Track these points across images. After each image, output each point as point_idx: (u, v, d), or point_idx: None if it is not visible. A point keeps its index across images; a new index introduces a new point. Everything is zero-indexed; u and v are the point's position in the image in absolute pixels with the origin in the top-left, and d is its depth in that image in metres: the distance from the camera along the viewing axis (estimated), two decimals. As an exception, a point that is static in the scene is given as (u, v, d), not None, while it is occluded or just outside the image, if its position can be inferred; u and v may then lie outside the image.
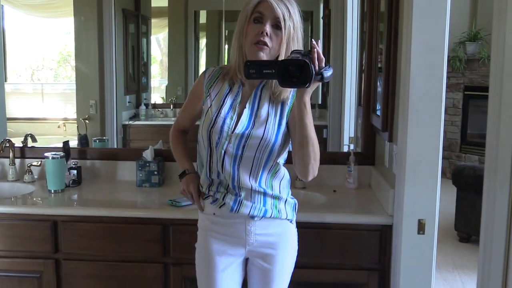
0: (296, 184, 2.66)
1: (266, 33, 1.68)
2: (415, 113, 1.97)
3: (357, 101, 3.16)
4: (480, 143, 6.85)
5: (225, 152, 1.74)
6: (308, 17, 3.74)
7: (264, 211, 1.79)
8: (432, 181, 2.01)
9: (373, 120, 2.61)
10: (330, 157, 2.80)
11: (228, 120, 1.75)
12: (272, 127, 1.74)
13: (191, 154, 2.00)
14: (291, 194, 1.92)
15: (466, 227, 4.49)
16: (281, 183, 1.85)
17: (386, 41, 2.28)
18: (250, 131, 1.73)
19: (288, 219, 1.87)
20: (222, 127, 1.74)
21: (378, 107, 2.53)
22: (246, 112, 1.76)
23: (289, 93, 1.77)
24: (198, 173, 1.91)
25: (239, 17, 1.76)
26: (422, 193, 2.01)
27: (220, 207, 1.80)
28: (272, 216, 1.81)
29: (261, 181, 1.78)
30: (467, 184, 4.39)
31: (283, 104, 1.77)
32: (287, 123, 1.77)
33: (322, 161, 2.67)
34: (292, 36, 1.71)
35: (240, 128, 1.74)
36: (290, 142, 1.81)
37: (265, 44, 1.68)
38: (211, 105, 1.80)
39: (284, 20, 1.68)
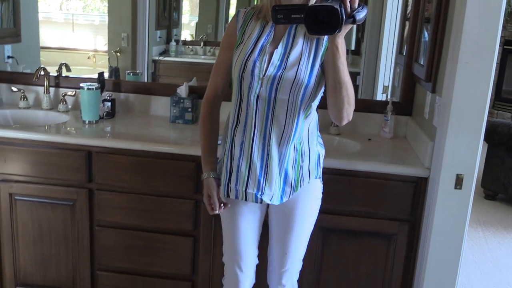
0: (331, 130, 2.62)
1: None
2: (464, 64, 1.89)
3: (397, 49, 3.06)
4: (514, 101, 6.69)
5: (258, 97, 1.69)
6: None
7: (283, 193, 1.77)
8: (475, 137, 1.96)
9: (415, 69, 2.53)
10: (367, 105, 2.74)
11: (258, 63, 1.69)
12: (305, 68, 1.67)
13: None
14: (322, 140, 1.88)
15: (493, 184, 4.45)
16: (310, 126, 1.79)
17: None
18: (282, 73, 1.67)
19: (309, 182, 1.83)
20: (253, 70, 1.68)
21: (422, 55, 2.45)
22: (279, 51, 1.69)
23: None
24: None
25: None
26: (463, 148, 1.97)
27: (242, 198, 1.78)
28: (292, 194, 1.79)
29: (297, 125, 1.72)
30: (500, 141, 4.31)
31: (318, 42, 1.69)
32: (322, 63, 1.70)
33: (358, 109, 2.64)
34: None
35: (271, 70, 1.67)
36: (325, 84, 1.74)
37: None
38: (243, 48, 1.73)
39: None
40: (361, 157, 2.28)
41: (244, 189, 1.75)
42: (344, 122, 1.68)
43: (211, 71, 1.90)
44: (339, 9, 1.38)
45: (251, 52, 1.71)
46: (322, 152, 1.88)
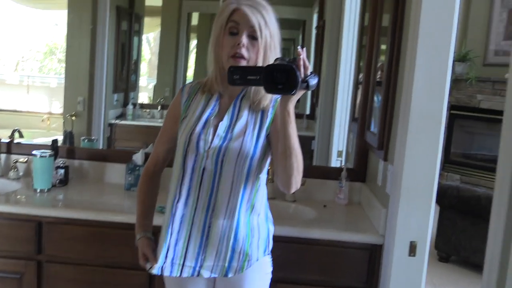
0: (287, 197, 2.65)
1: (243, 44, 1.62)
2: (414, 134, 1.97)
3: (350, 115, 3.16)
4: (462, 163, 6.94)
5: (203, 169, 1.68)
6: (299, 26, 3.74)
7: (229, 267, 1.70)
8: (427, 204, 2.01)
9: (367, 137, 2.61)
10: (322, 172, 2.79)
11: (203, 136, 1.68)
12: (250, 139, 1.68)
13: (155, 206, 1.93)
14: (271, 215, 1.85)
15: (446, 246, 4.53)
16: (258, 200, 1.76)
17: (388, 57, 2.27)
18: (227, 144, 1.67)
19: (258, 259, 1.77)
20: (198, 143, 1.68)
21: (373, 124, 2.54)
22: (224, 124, 1.70)
23: (270, 102, 1.71)
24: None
25: (213, 26, 1.70)
26: (416, 215, 2.01)
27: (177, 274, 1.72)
28: (239, 271, 1.72)
29: (243, 197, 1.70)
30: (450, 204, 4.43)
31: (263, 115, 1.71)
32: (268, 135, 1.71)
33: (314, 175, 2.72)
34: (269, 44, 1.65)
35: (216, 142, 1.67)
36: (271, 155, 1.74)
37: (242, 56, 1.62)
38: (187, 123, 1.73)
39: (261, 30, 1.63)
40: (317, 224, 2.30)
41: (181, 263, 1.70)
42: (293, 190, 1.65)
43: (154, 143, 1.90)
44: (296, 69, 1.42)
45: (196, 125, 1.71)
46: (272, 228, 1.84)
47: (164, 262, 1.71)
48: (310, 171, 2.72)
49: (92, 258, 2.24)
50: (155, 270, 1.73)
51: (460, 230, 4.40)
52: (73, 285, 2.26)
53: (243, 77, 1.49)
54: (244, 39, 1.63)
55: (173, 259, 1.71)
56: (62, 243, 2.24)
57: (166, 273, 1.71)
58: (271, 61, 1.64)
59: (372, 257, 2.20)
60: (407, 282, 2.06)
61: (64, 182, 2.63)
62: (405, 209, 2.00)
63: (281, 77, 1.43)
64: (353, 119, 3.03)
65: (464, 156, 7.02)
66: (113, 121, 3.42)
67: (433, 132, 1.97)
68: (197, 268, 1.70)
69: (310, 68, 1.48)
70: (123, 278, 2.25)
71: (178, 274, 1.71)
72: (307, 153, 3.39)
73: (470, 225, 4.30)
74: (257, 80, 1.46)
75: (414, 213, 2.00)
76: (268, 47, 1.66)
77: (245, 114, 1.71)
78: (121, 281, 2.25)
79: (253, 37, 1.64)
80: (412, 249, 2.03)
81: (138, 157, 2.68)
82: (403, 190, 1.99)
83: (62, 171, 2.63)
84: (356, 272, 2.21)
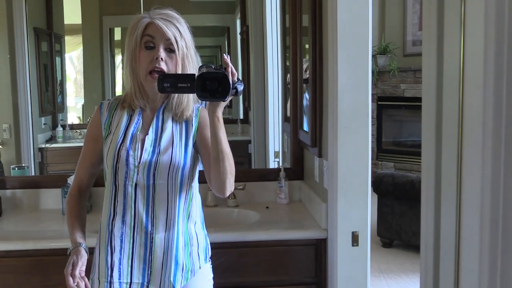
0: (229, 202, 2.66)
1: (161, 58, 1.63)
2: (343, 129, 2.04)
3: (282, 116, 3.22)
4: (394, 150, 7.21)
5: (136, 185, 1.67)
6: (224, 33, 3.78)
7: (174, 280, 1.69)
8: (363, 194, 2.09)
9: (300, 136, 2.68)
10: (260, 174, 2.83)
11: (131, 152, 1.68)
12: (179, 150, 1.69)
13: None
14: (205, 226, 1.84)
15: (387, 232, 4.69)
16: (194, 208, 1.77)
17: (312, 56, 2.34)
18: (157, 158, 1.67)
19: (200, 267, 1.78)
20: (127, 159, 1.67)
21: (305, 122, 2.60)
22: (150, 137, 1.70)
23: (192, 111, 1.73)
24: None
25: (126, 41, 1.69)
26: (354, 206, 2.09)
27: None
28: (183, 282, 1.72)
29: (179, 208, 1.71)
30: (387, 191, 4.59)
31: (187, 124, 1.73)
32: (194, 143, 1.73)
33: (253, 179, 2.75)
34: (186, 55, 1.68)
35: (145, 157, 1.67)
36: (201, 163, 1.76)
37: (161, 70, 1.63)
38: (112, 138, 1.71)
39: (177, 42, 1.64)
40: (262, 227, 2.33)
41: (129, 281, 1.69)
42: (228, 193, 1.69)
43: (76, 167, 1.84)
44: (228, 77, 1.46)
45: (122, 141, 1.69)
46: (206, 234, 1.84)
47: (111, 282, 1.69)
48: (249, 175, 2.77)
49: (35, 289, 2.17)
50: None
51: (399, 215, 4.57)
52: (18, 320, 2.18)
53: (173, 85, 1.50)
54: (162, 53, 1.64)
55: (119, 278, 1.69)
56: (2, 278, 2.16)
57: None
58: (189, 71, 1.67)
59: (317, 251, 2.26)
60: (353, 271, 2.13)
61: (-3, 214, 2.54)
62: (343, 201, 2.07)
63: (213, 85, 1.46)
64: (285, 119, 3.09)
65: (395, 144, 7.30)
66: (43, 146, 3.32)
67: (361, 125, 2.06)
68: (145, 284, 1.70)
69: (236, 75, 1.53)
70: (70, 305, 2.18)
71: None
72: (245, 157, 3.43)
73: (407, 209, 4.49)
74: (188, 87, 1.49)
75: (352, 204, 2.08)
76: (186, 57, 1.68)
77: (169, 126, 1.72)
78: (69, 309, 2.18)
79: (170, 50, 1.66)
80: (355, 239, 2.11)
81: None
82: (339, 183, 2.06)
83: (-6, 203, 2.53)
84: (304, 268, 2.26)
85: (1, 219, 2.53)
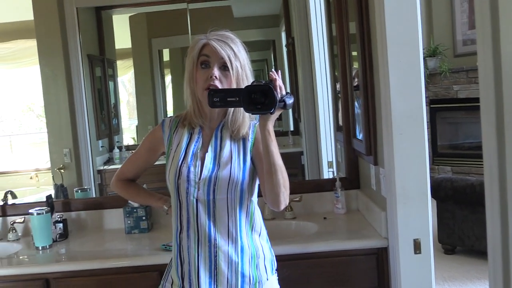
0: (286, 215, 2.67)
1: (216, 77, 1.68)
2: (398, 136, 2.02)
3: (334, 126, 3.21)
4: (451, 154, 7.02)
5: (197, 200, 1.72)
6: (269, 46, 3.81)
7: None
8: (423, 200, 2.05)
9: (354, 144, 2.65)
10: (316, 184, 2.83)
11: (192, 168, 1.73)
12: (237, 165, 1.73)
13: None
14: (269, 242, 1.86)
15: (449, 238, 4.55)
16: (256, 222, 1.80)
17: (361, 63, 2.32)
18: (216, 173, 1.72)
19: (268, 279, 1.80)
20: (188, 176, 1.72)
21: (358, 130, 2.58)
22: (210, 155, 1.75)
23: (248, 128, 1.76)
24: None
25: (186, 62, 1.76)
26: (414, 213, 2.04)
27: None
28: None
29: (241, 222, 1.74)
30: (446, 196, 4.47)
31: (244, 141, 1.77)
32: (251, 158, 1.76)
33: (309, 190, 2.75)
34: (241, 75, 1.71)
35: (206, 173, 1.72)
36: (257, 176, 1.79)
37: (216, 87, 1.67)
38: (174, 156, 1.78)
39: (231, 61, 1.68)
40: (321, 238, 2.33)
41: None
42: (282, 206, 1.70)
43: (125, 162, 2.03)
44: (273, 89, 1.49)
45: (184, 158, 1.75)
46: (270, 247, 1.86)
47: None
48: (304, 186, 2.77)
49: (104, 307, 2.24)
50: None
51: (460, 220, 4.43)
52: (89, 337, 2.25)
53: (223, 99, 1.55)
54: (216, 71, 1.69)
55: (190, 287, 1.75)
56: (71, 297, 2.24)
57: None
58: None
59: (379, 260, 2.23)
60: (417, 279, 2.08)
61: (64, 235, 2.63)
62: (403, 208, 2.04)
63: (259, 97, 1.50)
64: (337, 128, 3.07)
65: (452, 147, 7.10)
66: (101, 167, 3.43)
67: (417, 129, 2.02)
68: None
69: (284, 89, 1.55)
70: (137, 322, 2.24)
71: None
72: (298, 169, 3.43)
73: (469, 213, 4.35)
74: (237, 101, 1.53)
75: (412, 211, 2.04)
76: (240, 77, 1.71)
77: (227, 143, 1.76)
78: (136, 325, 2.24)
79: (224, 68, 1.70)
80: (417, 247, 2.06)
81: (134, 200, 2.69)
82: (398, 190, 2.03)
83: (60, 225, 2.63)
84: (366, 278, 2.23)
85: (67, 240, 2.63)
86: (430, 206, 2.07)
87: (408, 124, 2.01)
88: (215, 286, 1.73)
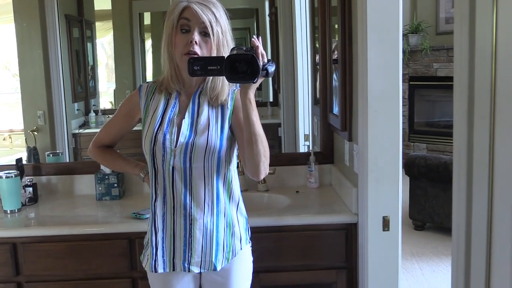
0: (259, 187, 2.67)
1: (196, 42, 1.65)
2: (373, 113, 2.02)
3: (312, 99, 3.20)
4: (427, 131, 7.09)
5: (173, 168, 1.71)
6: (253, 14, 3.75)
7: (216, 260, 1.74)
8: (394, 178, 2.06)
9: (330, 119, 2.65)
10: (290, 158, 2.82)
11: (168, 135, 1.71)
12: (215, 133, 1.71)
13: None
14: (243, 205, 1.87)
15: (420, 215, 4.63)
16: (233, 191, 1.80)
17: (341, 37, 2.30)
18: (193, 140, 1.70)
19: (241, 248, 1.81)
20: (164, 143, 1.70)
21: (335, 105, 2.57)
22: (186, 121, 1.72)
23: (227, 95, 1.74)
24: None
25: (165, 25, 1.71)
26: (385, 191, 2.06)
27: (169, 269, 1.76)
28: (225, 262, 1.77)
29: (218, 190, 1.74)
30: (419, 173, 4.53)
31: (223, 108, 1.74)
32: (230, 126, 1.74)
33: (283, 163, 2.75)
34: (221, 41, 1.68)
35: (182, 140, 1.70)
36: (237, 145, 1.78)
37: (195, 53, 1.64)
38: (150, 123, 1.76)
39: (212, 26, 1.65)
40: (292, 211, 2.34)
41: (171, 259, 1.74)
42: (262, 176, 1.70)
43: (102, 128, 2.00)
44: (257, 58, 1.46)
45: (160, 125, 1.73)
46: (246, 216, 1.88)
47: (156, 260, 1.75)
48: (279, 159, 2.76)
49: (72, 273, 2.23)
50: (149, 268, 1.77)
51: (432, 197, 4.51)
52: (56, 302, 2.25)
53: (203, 68, 1.51)
54: (196, 36, 1.65)
55: (163, 256, 1.75)
56: (39, 262, 2.22)
57: (160, 270, 1.75)
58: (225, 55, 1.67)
59: (348, 236, 2.25)
60: (384, 256, 2.11)
61: (33, 200, 2.60)
62: (374, 186, 2.05)
63: (242, 66, 1.47)
64: (315, 102, 3.06)
65: (428, 125, 7.17)
66: (76, 131, 3.37)
67: (392, 108, 2.03)
68: (186, 265, 1.74)
69: (266, 56, 1.53)
70: (106, 289, 2.24)
71: (171, 270, 1.75)
72: (275, 140, 3.42)
73: (440, 191, 4.42)
74: (218, 70, 1.50)
75: (383, 188, 2.06)
76: (221, 43, 1.68)
77: (205, 110, 1.73)
78: (104, 292, 2.24)
79: (205, 34, 1.66)
80: (386, 224, 2.09)
81: (106, 166, 2.66)
82: (370, 168, 2.04)
83: (30, 189, 2.59)
84: (335, 252, 2.26)
85: (37, 205, 2.60)
86: (401, 185, 2.08)
87: (384, 102, 2.01)
88: (189, 254, 1.73)
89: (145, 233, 1.86)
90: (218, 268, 1.75)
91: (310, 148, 2.93)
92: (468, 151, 1.28)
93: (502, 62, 1.07)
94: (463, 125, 1.29)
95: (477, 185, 1.24)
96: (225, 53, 1.68)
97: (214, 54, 1.67)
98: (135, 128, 1.94)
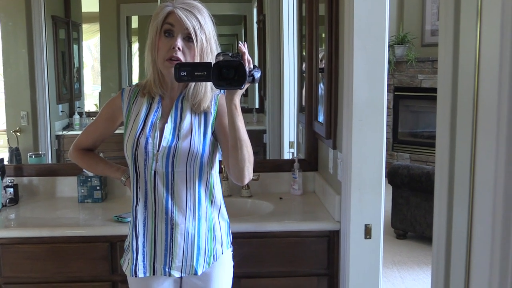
0: (243, 193, 2.67)
1: (178, 48, 1.64)
2: (358, 122, 2.03)
3: (298, 106, 3.21)
4: (410, 142, 7.16)
5: (155, 173, 1.70)
6: (241, 21, 3.77)
7: (197, 265, 1.73)
8: (377, 187, 2.08)
9: (315, 127, 2.66)
10: (275, 164, 2.83)
11: (150, 139, 1.70)
12: (198, 138, 1.70)
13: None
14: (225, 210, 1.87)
15: (402, 224, 4.67)
16: (215, 195, 1.80)
17: (328, 46, 2.31)
18: (176, 145, 1.69)
19: (223, 253, 1.82)
20: (146, 147, 1.69)
21: (320, 113, 2.59)
22: (169, 126, 1.72)
23: (210, 102, 1.73)
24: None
25: (149, 29, 1.71)
26: (368, 199, 2.07)
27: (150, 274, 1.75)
28: (205, 267, 1.76)
29: (200, 195, 1.73)
30: (402, 183, 4.57)
31: (206, 113, 1.74)
32: (213, 131, 1.74)
33: (267, 169, 2.75)
34: (205, 48, 1.67)
35: (164, 144, 1.69)
36: (220, 150, 1.78)
37: (178, 59, 1.64)
38: (132, 126, 1.74)
39: (196, 33, 1.64)
40: (275, 218, 2.34)
41: (151, 264, 1.73)
42: (246, 181, 1.70)
43: (83, 131, 1.97)
44: (244, 65, 1.47)
45: (142, 129, 1.72)
46: (227, 221, 1.88)
47: (136, 265, 1.74)
48: (263, 165, 2.77)
49: (51, 275, 2.21)
50: (129, 273, 1.75)
51: (414, 206, 4.55)
52: (34, 305, 2.22)
53: (190, 73, 1.51)
54: (180, 42, 1.65)
55: (143, 260, 1.74)
56: (19, 264, 2.19)
57: (140, 274, 1.74)
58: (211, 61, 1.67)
59: (330, 243, 2.26)
60: (365, 263, 2.12)
61: (14, 201, 2.57)
62: (357, 194, 2.06)
63: (229, 73, 1.47)
64: (300, 109, 3.08)
65: (412, 135, 7.25)
66: (60, 133, 3.34)
67: (376, 118, 2.04)
68: (167, 269, 1.73)
69: (252, 62, 1.54)
70: (85, 292, 2.22)
71: (151, 274, 1.74)
72: (260, 147, 3.43)
73: (422, 201, 4.46)
74: (205, 76, 1.50)
75: (366, 197, 2.07)
76: (205, 50, 1.68)
77: (188, 115, 1.73)
78: (84, 295, 2.22)
79: (189, 39, 1.66)
80: (368, 232, 2.10)
81: (89, 168, 2.64)
82: (353, 176, 2.05)
83: (11, 190, 2.56)
84: (317, 259, 2.26)
85: (17, 206, 2.57)
86: (383, 194, 2.10)
87: (369, 111, 2.02)
88: (170, 258, 1.73)
89: (126, 236, 1.85)
90: (199, 273, 1.75)
91: (295, 155, 2.93)
92: (450, 161, 1.29)
93: (485, 75, 1.09)
94: (445, 135, 1.31)
95: (458, 195, 1.25)
96: (209, 59, 1.68)
97: (197, 60, 1.67)
98: (117, 131, 1.93)
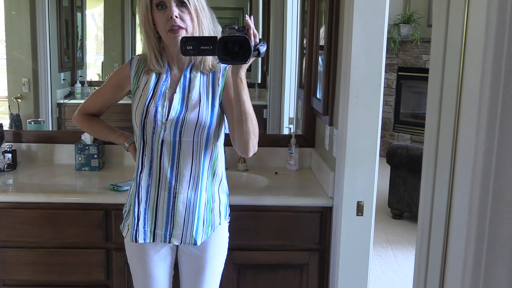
0: (239, 166, 2.69)
1: (176, 16, 1.65)
2: (355, 99, 2.03)
3: (297, 82, 3.21)
4: (412, 122, 7.14)
5: (162, 141, 1.73)
6: (246, -5, 3.74)
7: (196, 234, 1.76)
8: (370, 165, 2.09)
9: (313, 103, 2.67)
10: (272, 139, 2.84)
11: (160, 108, 1.72)
12: (206, 109, 1.73)
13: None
14: (226, 183, 1.91)
15: (398, 204, 4.69)
16: (218, 167, 1.83)
17: (328, 22, 2.31)
18: (184, 115, 1.71)
19: (220, 223, 1.86)
20: (155, 116, 1.72)
21: (319, 89, 2.59)
22: (178, 96, 1.74)
23: (219, 72, 1.76)
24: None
25: (137, 8, 1.72)
26: (361, 177, 2.09)
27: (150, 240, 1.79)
28: (204, 237, 1.80)
29: (204, 166, 1.77)
30: (400, 163, 4.58)
31: (214, 84, 1.76)
32: (221, 103, 1.77)
33: (265, 144, 2.76)
34: (199, 7, 1.69)
35: (173, 114, 1.72)
36: (226, 122, 1.81)
37: (179, 27, 1.65)
38: (141, 95, 1.76)
39: None
40: (269, 192, 2.36)
41: (152, 230, 1.77)
42: (251, 153, 1.73)
43: (89, 96, 1.99)
44: (249, 39, 1.48)
45: (152, 98, 1.74)
46: (227, 193, 1.92)
47: (137, 230, 1.77)
48: (260, 140, 2.72)
49: (47, 240, 2.24)
50: (129, 238, 1.78)
51: (411, 187, 4.57)
52: (30, 269, 2.26)
53: (196, 47, 1.53)
54: (175, 10, 1.66)
55: (144, 226, 1.77)
56: (15, 228, 2.23)
57: (140, 240, 1.77)
58: (205, 24, 1.69)
59: (323, 219, 2.28)
60: (356, 240, 2.14)
61: (12, 166, 2.59)
62: (350, 171, 2.08)
63: (234, 47, 1.49)
64: (300, 85, 3.07)
65: (413, 116, 7.22)
66: (61, 101, 3.35)
67: (373, 95, 2.04)
68: (168, 236, 1.77)
69: (258, 36, 1.55)
70: (80, 258, 2.25)
71: (151, 240, 1.77)
72: (261, 122, 3.43)
73: (419, 182, 4.47)
74: (210, 50, 1.52)
75: (359, 174, 2.08)
76: (199, 9, 1.69)
77: (196, 85, 1.75)
78: (79, 261, 2.26)
79: (181, 4, 1.67)
80: (360, 209, 2.12)
81: (87, 137, 2.66)
82: (347, 153, 2.06)
83: (9, 155, 2.58)
84: (309, 235, 2.29)
85: (15, 171, 2.59)
86: (377, 171, 2.11)
87: (365, 89, 2.02)
88: (171, 226, 1.76)
89: (122, 205, 1.88)
90: (199, 243, 1.78)
91: (292, 131, 2.94)
92: (436, 141, 1.30)
93: (469, 57, 1.09)
94: (434, 116, 1.31)
95: (440, 174, 1.27)
96: (205, 20, 1.70)
97: (195, 22, 1.68)
98: (122, 102, 1.95)
